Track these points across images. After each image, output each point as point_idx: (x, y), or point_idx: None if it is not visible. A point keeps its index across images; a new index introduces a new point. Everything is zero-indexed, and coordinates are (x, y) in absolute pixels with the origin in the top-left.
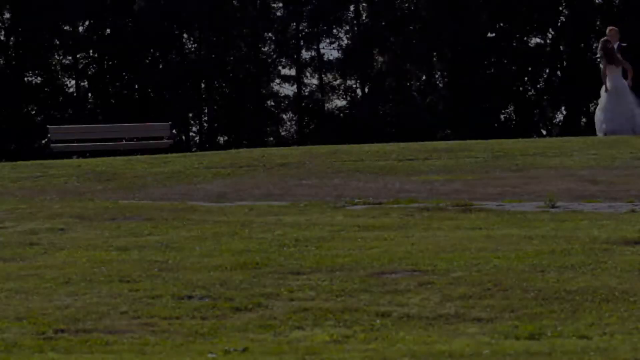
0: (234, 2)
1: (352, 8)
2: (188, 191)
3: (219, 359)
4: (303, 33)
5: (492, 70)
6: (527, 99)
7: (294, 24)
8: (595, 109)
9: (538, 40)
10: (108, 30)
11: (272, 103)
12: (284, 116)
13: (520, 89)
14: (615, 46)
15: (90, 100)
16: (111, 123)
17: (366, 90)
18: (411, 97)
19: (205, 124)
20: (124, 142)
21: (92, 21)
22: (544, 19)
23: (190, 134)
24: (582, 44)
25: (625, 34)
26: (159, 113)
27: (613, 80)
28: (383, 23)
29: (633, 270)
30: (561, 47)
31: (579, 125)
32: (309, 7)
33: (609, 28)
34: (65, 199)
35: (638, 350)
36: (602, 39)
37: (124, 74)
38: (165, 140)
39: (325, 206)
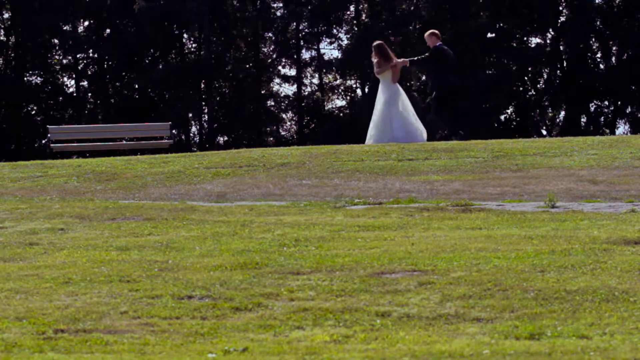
0: (234, 2)
1: (352, 8)
2: (188, 191)
3: (219, 359)
4: (303, 33)
5: (492, 70)
6: (527, 99)
7: (294, 24)
8: (594, 108)
9: (538, 40)
10: (108, 30)
11: (272, 103)
12: (284, 116)
13: (520, 89)
14: (431, 49)
15: (90, 100)
16: (111, 123)
17: (366, 90)
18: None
19: (205, 124)
20: (124, 142)
21: (92, 21)
22: (544, 19)
23: (190, 134)
24: (582, 44)
25: (625, 33)
26: (159, 113)
27: (387, 87)
28: (383, 23)
29: (633, 270)
30: (561, 47)
31: (579, 125)
32: (309, 7)
33: (429, 31)
34: (65, 199)
35: (638, 350)
36: (378, 43)
37: (124, 74)
38: (165, 140)
39: (325, 206)
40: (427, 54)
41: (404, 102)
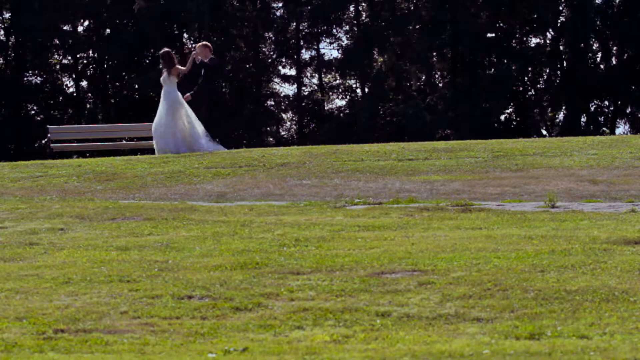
0: (234, 2)
1: (352, 8)
2: (188, 191)
3: (219, 359)
4: (303, 33)
5: (492, 70)
6: (527, 99)
7: (294, 24)
8: (594, 108)
9: (538, 40)
10: (108, 30)
11: (272, 103)
12: (284, 116)
13: (520, 89)
14: (207, 61)
15: (90, 100)
16: (111, 123)
17: (366, 90)
18: (411, 97)
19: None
20: (124, 142)
21: (91, 21)
22: (544, 19)
23: None
24: (582, 44)
25: (625, 33)
26: None
27: (170, 94)
28: (383, 23)
29: (633, 270)
30: (561, 47)
31: (579, 125)
32: (309, 7)
33: (203, 43)
34: (65, 199)
35: (638, 350)
36: (164, 50)
37: (124, 74)
38: None
39: (325, 206)
40: (210, 64)
41: (188, 111)
